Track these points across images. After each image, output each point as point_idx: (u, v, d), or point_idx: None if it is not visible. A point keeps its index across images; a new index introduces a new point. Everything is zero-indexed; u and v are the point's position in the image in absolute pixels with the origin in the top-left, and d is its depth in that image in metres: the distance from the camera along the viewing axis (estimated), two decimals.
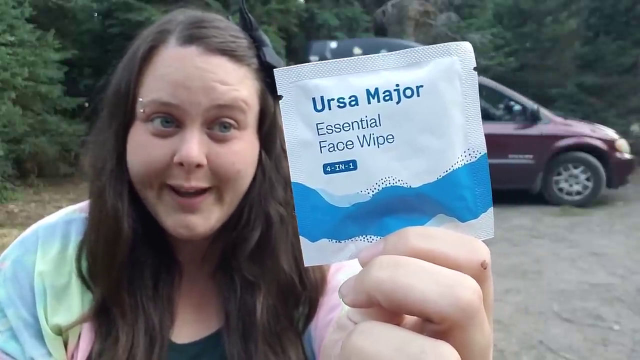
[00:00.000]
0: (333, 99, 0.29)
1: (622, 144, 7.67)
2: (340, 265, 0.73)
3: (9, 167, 7.43)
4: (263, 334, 0.67)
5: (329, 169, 0.29)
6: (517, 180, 7.54)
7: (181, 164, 0.61)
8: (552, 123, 7.61)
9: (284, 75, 0.30)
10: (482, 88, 8.37)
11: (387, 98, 0.29)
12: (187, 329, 0.71)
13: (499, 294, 4.22)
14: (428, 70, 0.29)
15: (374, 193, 0.29)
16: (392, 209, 0.30)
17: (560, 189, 7.57)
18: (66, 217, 0.72)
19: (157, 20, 0.69)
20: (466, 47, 0.30)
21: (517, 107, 7.80)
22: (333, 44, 8.30)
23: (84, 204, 0.73)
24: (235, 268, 0.69)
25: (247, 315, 0.68)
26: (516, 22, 13.62)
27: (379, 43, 8.81)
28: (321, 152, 0.29)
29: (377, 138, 0.29)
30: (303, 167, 0.30)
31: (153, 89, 0.62)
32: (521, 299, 4.10)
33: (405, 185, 0.29)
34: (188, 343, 0.70)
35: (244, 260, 0.69)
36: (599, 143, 7.54)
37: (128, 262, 0.66)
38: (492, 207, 0.32)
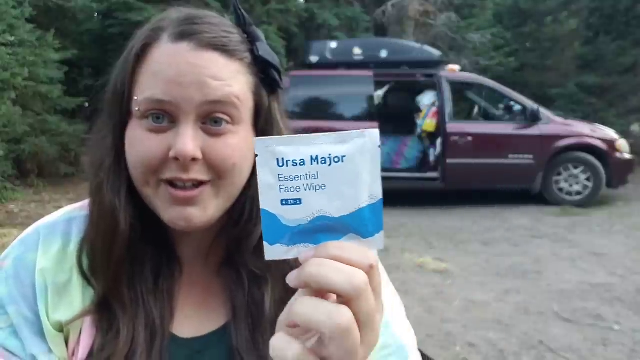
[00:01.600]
0: (289, 160, 0.45)
1: (622, 144, 7.67)
2: None
3: (9, 167, 7.43)
4: (271, 325, 0.68)
5: (284, 203, 0.45)
6: (517, 180, 7.55)
7: (176, 159, 0.62)
8: (552, 123, 7.61)
9: (260, 143, 0.45)
10: (482, 88, 8.38)
11: (323, 162, 0.44)
12: (191, 324, 0.72)
13: (499, 294, 4.22)
14: (349, 146, 0.45)
15: (310, 219, 0.45)
16: (321, 229, 0.46)
17: (560, 189, 7.57)
18: (67, 215, 0.73)
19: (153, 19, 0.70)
20: (374, 133, 0.45)
21: (517, 107, 7.79)
22: (333, 44, 8.28)
23: (86, 202, 0.73)
24: (241, 263, 0.70)
25: (256, 308, 0.69)
26: (516, 22, 13.60)
27: (379, 43, 8.79)
28: (280, 192, 0.45)
29: (315, 186, 0.44)
30: (268, 200, 0.45)
31: (147, 87, 0.63)
32: (521, 299, 4.10)
33: (330, 216, 0.45)
34: (192, 337, 0.71)
35: (249, 255, 0.70)
36: (599, 143, 7.54)
37: (127, 258, 0.67)
38: (382, 231, 0.46)
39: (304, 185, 0.44)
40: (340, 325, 0.42)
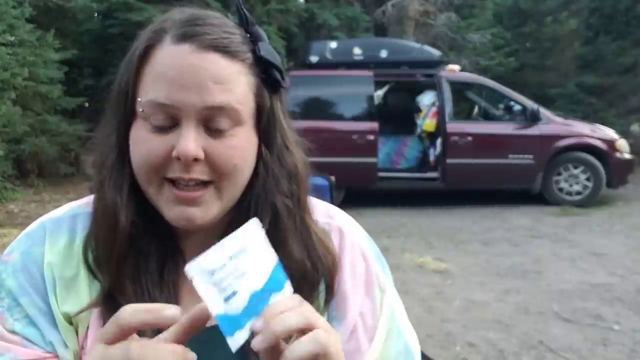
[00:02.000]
0: (216, 268, 0.55)
1: (622, 144, 7.67)
2: (343, 251, 0.78)
3: (9, 167, 7.43)
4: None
5: (226, 300, 0.55)
6: (517, 180, 7.55)
7: (179, 159, 0.64)
8: (552, 123, 7.60)
9: (191, 267, 0.55)
10: (482, 88, 8.38)
11: (235, 257, 0.56)
12: None
13: (499, 294, 4.22)
14: (244, 240, 0.58)
15: (247, 299, 0.56)
16: (256, 301, 0.56)
17: (560, 189, 7.57)
18: (72, 212, 0.75)
19: (156, 20, 0.71)
20: (254, 221, 0.59)
21: (517, 107, 7.79)
22: (333, 44, 8.26)
23: (89, 199, 0.75)
24: None
25: None
26: (516, 22, 13.59)
27: (379, 43, 8.79)
28: (220, 294, 0.54)
29: (240, 275, 0.56)
30: (215, 305, 0.54)
31: (150, 89, 0.65)
32: (521, 299, 4.10)
33: (257, 289, 0.57)
34: None
35: None
36: (599, 143, 7.54)
37: (131, 252, 0.69)
38: (287, 279, 0.60)
39: (232, 279, 0.56)
40: (320, 341, 0.54)
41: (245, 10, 0.69)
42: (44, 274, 0.69)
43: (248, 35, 0.69)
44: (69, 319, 0.69)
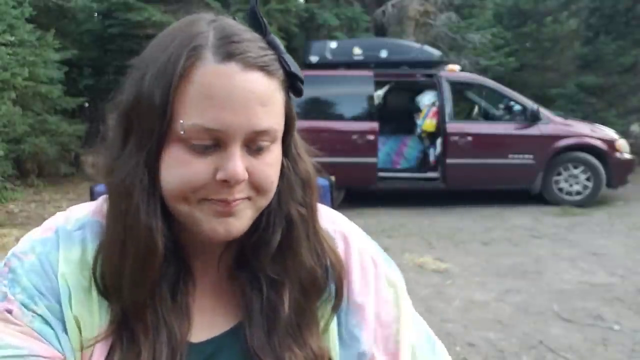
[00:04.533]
0: None
1: (622, 144, 7.66)
2: (348, 253, 0.78)
3: (9, 167, 7.43)
4: (286, 328, 0.70)
5: None
6: (517, 180, 7.54)
7: (225, 181, 0.62)
8: (552, 123, 7.60)
9: None
10: (482, 88, 8.37)
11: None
12: (202, 328, 0.72)
13: (499, 294, 4.22)
14: None
15: None
16: None
17: (560, 189, 7.57)
18: (79, 223, 0.72)
19: (158, 22, 0.70)
20: None
21: (517, 107, 7.79)
22: (333, 44, 8.25)
23: (94, 207, 0.73)
24: (258, 268, 0.71)
25: (271, 311, 0.70)
26: (516, 22, 13.57)
27: (379, 43, 8.78)
28: None
29: None
30: None
31: (194, 110, 0.61)
32: (521, 299, 4.10)
33: None
34: (205, 341, 0.71)
35: (268, 261, 0.71)
36: (599, 143, 7.54)
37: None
38: None
39: None
40: None
41: (263, 18, 0.67)
42: (58, 280, 0.67)
43: (266, 45, 0.66)
44: (79, 324, 0.67)
